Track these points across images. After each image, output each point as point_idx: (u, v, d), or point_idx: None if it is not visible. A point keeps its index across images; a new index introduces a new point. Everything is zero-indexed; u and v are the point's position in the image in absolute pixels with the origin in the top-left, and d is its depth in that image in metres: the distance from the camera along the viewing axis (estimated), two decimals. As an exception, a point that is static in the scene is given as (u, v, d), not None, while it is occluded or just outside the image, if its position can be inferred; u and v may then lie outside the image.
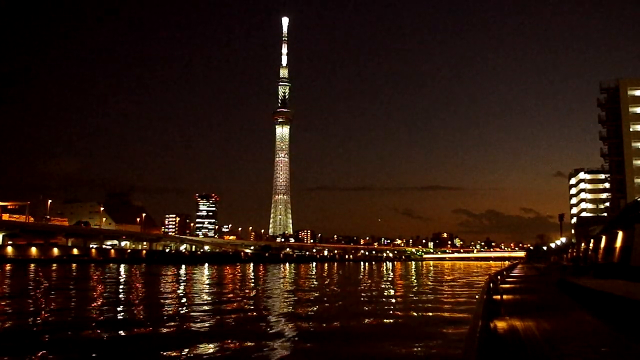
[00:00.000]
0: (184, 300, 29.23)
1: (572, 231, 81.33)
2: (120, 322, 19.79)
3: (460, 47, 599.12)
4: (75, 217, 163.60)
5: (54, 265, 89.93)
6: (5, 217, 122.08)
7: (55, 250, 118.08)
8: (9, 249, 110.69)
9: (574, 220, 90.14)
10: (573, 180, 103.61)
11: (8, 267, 77.64)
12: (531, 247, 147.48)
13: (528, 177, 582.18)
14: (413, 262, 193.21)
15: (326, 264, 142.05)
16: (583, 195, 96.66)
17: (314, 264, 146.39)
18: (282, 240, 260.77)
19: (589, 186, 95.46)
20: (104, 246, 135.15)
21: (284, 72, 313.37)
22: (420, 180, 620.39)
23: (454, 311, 23.20)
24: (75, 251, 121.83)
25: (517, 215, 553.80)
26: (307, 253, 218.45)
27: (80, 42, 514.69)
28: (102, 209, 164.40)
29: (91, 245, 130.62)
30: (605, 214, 70.04)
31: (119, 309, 24.20)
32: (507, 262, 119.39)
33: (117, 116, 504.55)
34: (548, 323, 10.38)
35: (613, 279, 21.14)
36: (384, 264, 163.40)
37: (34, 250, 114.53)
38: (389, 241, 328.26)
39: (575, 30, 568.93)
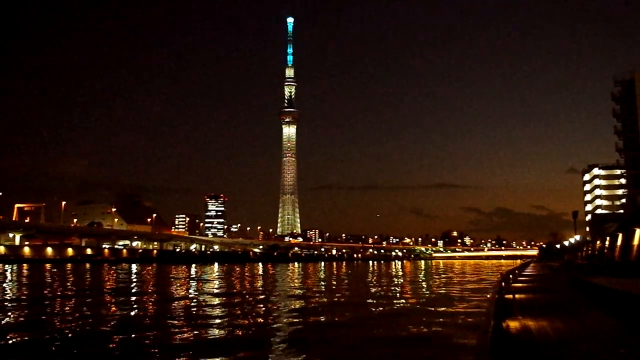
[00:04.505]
0: (195, 293, 29.49)
1: (587, 229, 79.95)
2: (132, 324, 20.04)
3: (468, 42, 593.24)
4: (88, 217, 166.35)
5: (69, 265, 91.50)
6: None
7: (70, 251, 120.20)
8: (26, 249, 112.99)
9: (588, 217, 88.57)
10: (587, 177, 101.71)
11: (25, 267, 79.25)
12: (544, 245, 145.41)
13: (539, 173, 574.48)
14: (422, 261, 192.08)
15: (334, 263, 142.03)
16: (598, 191, 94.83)
17: (323, 263, 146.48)
18: (290, 239, 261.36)
19: (603, 182, 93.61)
20: (116, 246, 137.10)
21: (289, 72, 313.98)
22: (428, 178, 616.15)
23: (465, 306, 22.97)
24: (88, 251, 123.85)
25: (528, 213, 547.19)
26: (315, 252, 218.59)
27: (89, 45, 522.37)
28: (114, 209, 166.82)
29: (104, 245, 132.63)
30: (622, 211, 68.66)
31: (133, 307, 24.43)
32: (519, 261, 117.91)
33: (126, 118, 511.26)
34: (562, 323, 10.11)
35: (630, 278, 20.61)
36: (393, 263, 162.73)
37: (49, 250, 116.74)
38: (397, 240, 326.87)
39: (587, 22, 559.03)
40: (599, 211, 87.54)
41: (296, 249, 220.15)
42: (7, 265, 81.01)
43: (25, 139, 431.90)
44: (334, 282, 47.31)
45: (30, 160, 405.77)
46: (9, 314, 21.43)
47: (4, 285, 39.74)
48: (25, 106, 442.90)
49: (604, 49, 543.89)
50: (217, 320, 19.16)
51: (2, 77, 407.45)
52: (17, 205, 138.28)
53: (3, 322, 18.91)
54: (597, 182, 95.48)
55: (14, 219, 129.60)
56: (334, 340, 15.04)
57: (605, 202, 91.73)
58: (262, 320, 19.22)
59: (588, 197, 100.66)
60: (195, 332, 16.42)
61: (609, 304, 13.28)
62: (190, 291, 35.32)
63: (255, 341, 14.78)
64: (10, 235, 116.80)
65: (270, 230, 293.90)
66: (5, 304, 25.46)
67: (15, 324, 18.73)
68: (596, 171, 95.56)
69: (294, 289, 37.46)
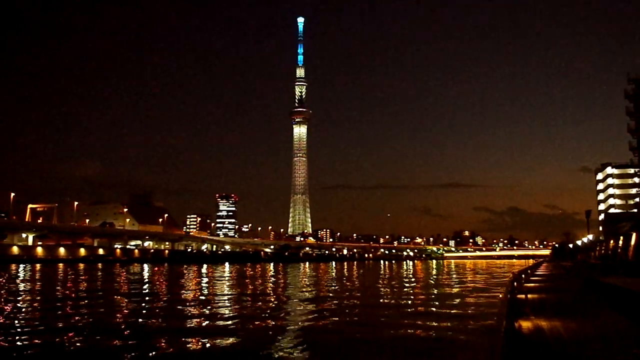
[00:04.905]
0: (208, 291, 29.81)
1: (600, 228, 78.73)
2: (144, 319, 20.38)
3: (478, 40, 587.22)
4: (100, 218, 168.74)
5: (81, 265, 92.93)
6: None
7: (82, 251, 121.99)
8: (39, 250, 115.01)
9: (601, 216, 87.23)
10: (600, 176, 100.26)
11: (38, 267, 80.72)
12: (557, 245, 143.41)
13: (551, 172, 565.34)
14: (434, 261, 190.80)
15: (346, 263, 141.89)
16: (611, 190, 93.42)
17: (334, 263, 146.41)
18: (301, 239, 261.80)
19: (617, 181, 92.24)
20: (128, 246, 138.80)
21: (300, 72, 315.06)
22: (439, 177, 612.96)
23: (477, 305, 22.88)
24: (101, 251, 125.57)
25: (540, 212, 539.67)
26: (327, 252, 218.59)
27: (99, 47, 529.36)
28: (125, 210, 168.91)
29: (116, 246, 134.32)
30: (635, 210, 67.51)
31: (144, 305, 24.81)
32: (531, 261, 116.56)
33: (137, 119, 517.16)
34: (575, 323, 10.07)
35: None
36: (404, 263, 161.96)
37: (62, 250, 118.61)
38: (408, 240, 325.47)
39: (600, 19, 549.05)
40: (612, 210, 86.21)
41: (307, 249, 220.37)
42: (20, 265, 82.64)
43: (37, 140, 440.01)
44: (346, 283, 47.35)
45: (42, 162, 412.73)
46: (20, 315, 21.74)
47: (18, 285, 40.59)
48: (36, 107, 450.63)
49: (617, 46, 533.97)
50: (228, 322, 19.27)
51: (9, 77, 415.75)
52: (30, 206, 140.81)
53: (15, 323, 19.25)
54: (610, 181, 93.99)
55: (27, 219, 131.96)
56: (346, 341, 15.12)
57: (618, 201, 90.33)
58: (273, 321, 19.31)
59: (601, 196, 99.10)
60: (206, 332, 16.54)
61: (622, 304, 13.14)
62: (202, 291, 35.67)
63: (268, 342, 14.83)
64: (24, 235, 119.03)
65: (282, 230, 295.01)
66: (18, 304, 25.96)
67: (26, 325, 18.91)
68: (609, 170, 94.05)
69: (306, 290, 37.59)
